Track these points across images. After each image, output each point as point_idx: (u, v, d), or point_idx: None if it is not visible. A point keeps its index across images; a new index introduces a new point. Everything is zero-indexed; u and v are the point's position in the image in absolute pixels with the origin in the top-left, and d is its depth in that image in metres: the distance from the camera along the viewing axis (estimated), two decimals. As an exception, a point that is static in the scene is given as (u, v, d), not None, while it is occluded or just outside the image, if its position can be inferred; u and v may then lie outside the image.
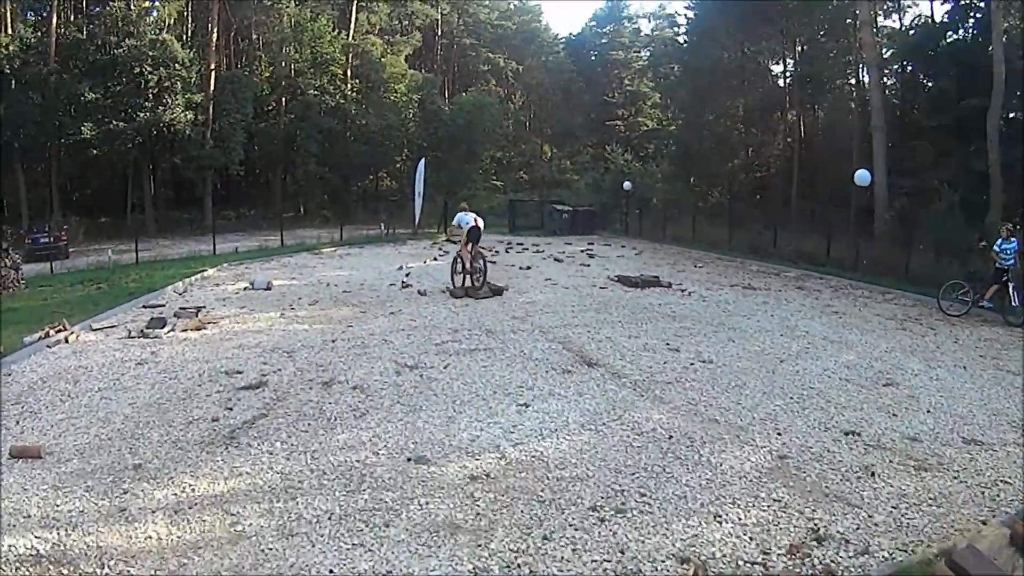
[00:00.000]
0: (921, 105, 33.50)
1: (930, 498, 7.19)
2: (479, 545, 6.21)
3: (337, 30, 53.09)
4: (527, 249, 31.75)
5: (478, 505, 6.91)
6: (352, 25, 55.39)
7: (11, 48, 38.94)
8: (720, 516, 6.77)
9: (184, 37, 46.86)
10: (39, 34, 41.76)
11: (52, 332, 14.15)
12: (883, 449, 8.48)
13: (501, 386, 10.76)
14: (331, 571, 5.83)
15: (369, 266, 26.13)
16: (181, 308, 17.19)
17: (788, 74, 45.56)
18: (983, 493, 7.34)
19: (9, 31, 40.02)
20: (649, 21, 78.04)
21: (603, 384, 10.92)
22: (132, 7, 42.47)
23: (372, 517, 6.66)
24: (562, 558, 6.03)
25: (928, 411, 9.94)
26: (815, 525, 6.61)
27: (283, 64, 51.80)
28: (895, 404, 10.20)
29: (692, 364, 12.19)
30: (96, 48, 41.71)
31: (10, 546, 6.16)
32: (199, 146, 43.63)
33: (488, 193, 58.50)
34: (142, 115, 39.71)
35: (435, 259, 27.30)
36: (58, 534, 6.39)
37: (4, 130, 37.95)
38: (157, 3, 45.41)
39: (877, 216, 28.82)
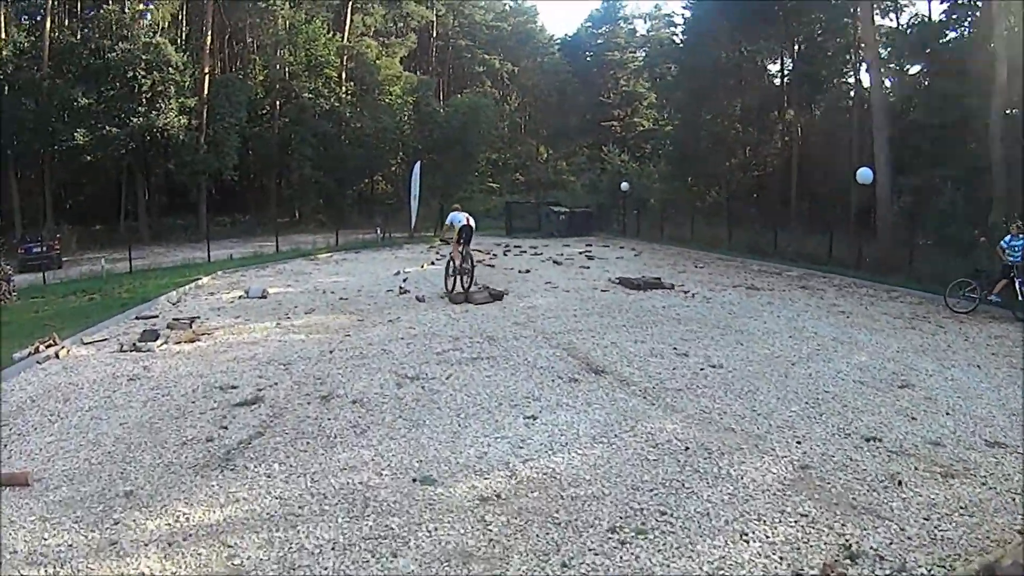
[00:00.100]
0: (919, 103, 33.15)
1: (961, 507, 6.90)
2: (494, 575, 5.83)
3: (332, 32, 52.71)
4: (525, 252, 31.41)
5: (490, 530, 6.52)
6: (347, 27, 55.07)
7: (4, 53, 38.57)
8: (746, 534, 6.42)
9: (178, 41, 46.47)
10: (32, 39, 41.40)
11: (42, 347, 13.78)
12: (907, 455, 8.18)
13: (507, 397, 10.38)
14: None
15: (366, 271, 25.80)
16: (175, 319, 16.82)
17: (786, 73, 45.22)
18: (1014, 500, 7.06)
19: (2, 36, 39.54)
20: (645, 22, 77.83)
21: (612, 393, 10.55)
22: (126, 10, 42.16)
23: (378, 546, 6.27)
24: (583, 587, 5.68)
25: (947, 413, 9.65)
26: (846, 541, 6.28)
27: (277, 67, 51.42)
28: (913, 407, 9.91)
29: (702, 369, 11.84)
30: (89, 52, 41.20)
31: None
32: (193, 151, 43.12)
33: (484, 195, 58.22)
34: (135, 120, 39.36)
35: (432, 263, 26.92)
36: (46, 572, 6.02)
37: (-1, 137, 37.56)
38: (151, 6, 44.95)
39: (880, 214, 28.55)
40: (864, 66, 38.27)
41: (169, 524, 6.76)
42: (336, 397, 10.52)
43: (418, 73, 60.55)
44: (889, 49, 37.57)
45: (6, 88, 38.99)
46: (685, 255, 30.15)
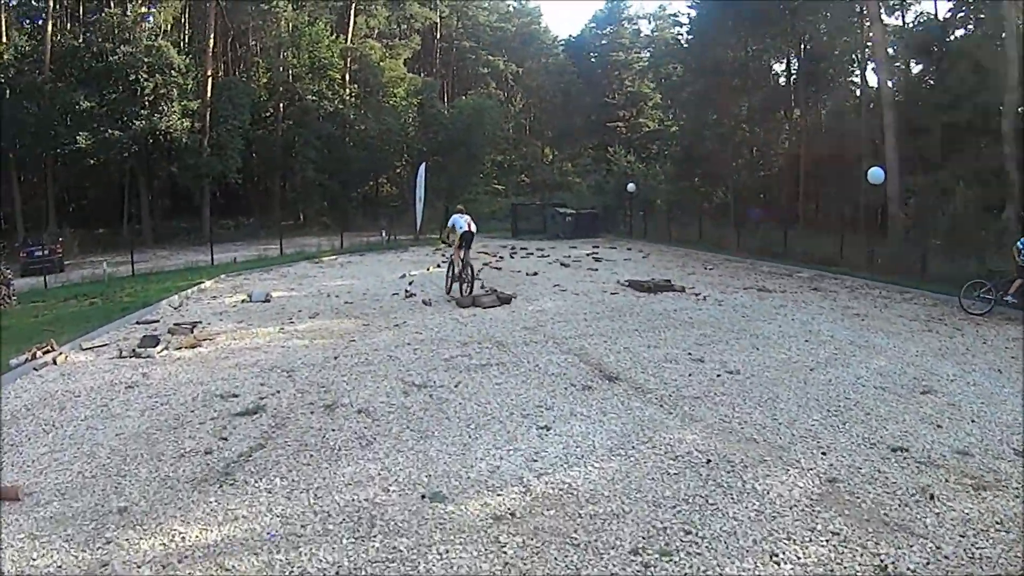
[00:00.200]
0: (929, 102, 32.81)
1: (996, 522, 6.56)
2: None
3: (335, 34, 52.52)
4: (531, 254, 31.12)
5: (505, 552, 6.12)
6: (350, 29, 54.97)
7: (6, 57, 38.40)
8: (777, 555, 6.04)
9: (181, 43, 46.40)
10: (34, 42, 41.29)
11: (39, 353, 13.43)
12: (935, 466, 7.82)
13: (518, 406, 9.98)
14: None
15: (371, 274, 25.52)
16: (176, 324, 16.44)
17: (792, 72, 44.97)
18: (1051, 514, 6.67)
19: (3, 39, 39.35)
20: (649, 22, 77.63)
21: (627, 401, 10.16)
22: (128, 13, 42.01)
23: (386, 570, 5.87)
24: (607, 616, 5.30)
25: (972, 420, 9.31)
26: (882, 561, 5.93)
27: (281, 69, 51.27)
28: (937, 414, 9.57)
29: (719, 376, 11.46)
30: (91, 55, 41.18)
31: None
32: (196, 154, 42.99)
33: (489, 197, 58.01)
34: (138, 123, 39.28)
35: (438, 266, 26.50)
36: (31, 595, 5.67)
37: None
38: (153, 9, 44.77)
39: (891, 214, 28.23)
40: (871, 65, 38.28)
41: (164, 544, 6.39)
42: (341, 406, 10.14)
43: (422, 75, 60.51)
44: (894, 48, 37.23)
45: (8, 92, 38.92)
46: (693, 257, 29.86)
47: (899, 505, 6.93)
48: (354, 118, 52.59)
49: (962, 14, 33.11)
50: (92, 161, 39.92)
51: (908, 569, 5.80)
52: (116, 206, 45.77)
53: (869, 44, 36.95)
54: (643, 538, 6.31)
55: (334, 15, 55.42)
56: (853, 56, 41.74)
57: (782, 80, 46.91)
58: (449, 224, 20.43)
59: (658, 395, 10.42)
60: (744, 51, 44.51)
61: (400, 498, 7.19)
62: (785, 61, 45.82)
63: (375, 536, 6.43)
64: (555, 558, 6.02)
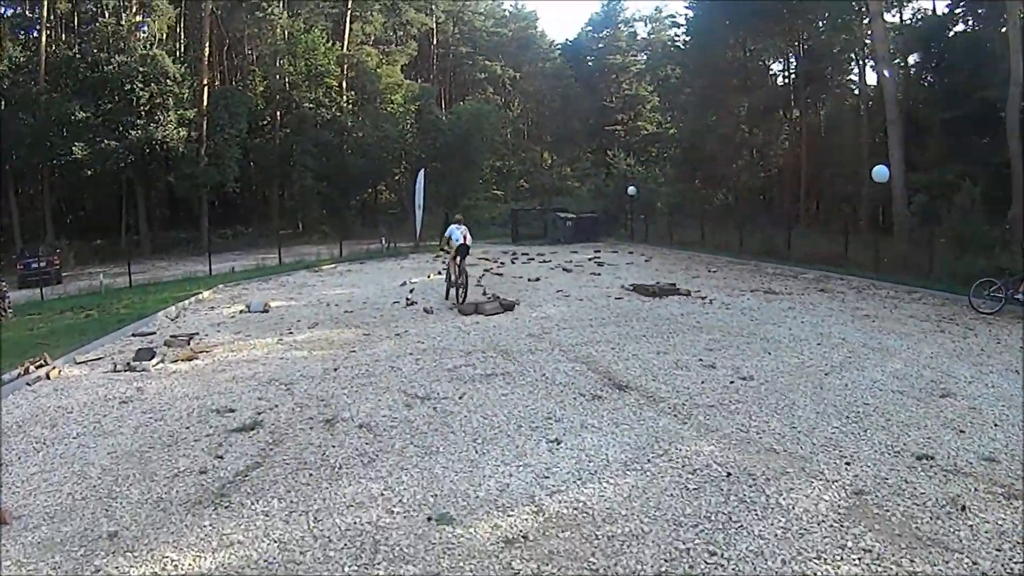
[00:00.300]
0: (929, 99, 32.64)
1: (1032, 533, 6.17)
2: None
3: (331, 41, 52.51)
4: (532, 259, 30.90)
5: (518, 580, 5.76)
6: (346, 36, 54.98)
7: (0, 68, 38.14)
8: (808, 576, 5.66)
9: (176, 52, 46.22)
10: (28, 53, 41.12)
11: (32, 368, 13.08)
12: (963, 475, 7.51)
13: (526, 418, 9.59)
14: None
15: (371, 283, 25.23)
16: (172, 336, 16.12)
17: (792, 72, 44.87)
18: (1087, 522, 6.35)
19: (-3, 50, 39.25)
20: (645, 24, 77.92)
21: (639, 411, 9.77)
22: (122, 23, 41.82)
23: (391, 602, 5.52)
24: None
25: (995, 425, 9.02)
26: (919, 579, 5.53)
27: (277, 77, 51.24)
28: (959, 418, 9.27)
29: (732, 382, 11.10)
30: (86, 65, 41.13)
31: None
32: (193, 163, 42.86)
33: (489, 203, 57.86)
34: (134, 133, 39.17)
35: (439, 273, 26.19)
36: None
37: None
38: (147, 19, 44.54)
39: (896, 213, 27.93)
40: (871, 63, 38.17)
41: (155, 573, 6.03)
42: (341, 421, 9.74)
43: (419, 81, 60.55)
44: (894, 45, 37.05)
45: (2, 103, 38.65)
46: (696, 259, 29.66)
47: (930, 518, 6.61)
48: (352, 125, 52.53)
49: (960, 9, 32.89)
50: (89, 172, 39.72)
51: (946, 588, 5.43)
52: (114, 217, 45.65)
53: (868, 41, 36.84)
54: (665, 561, 5.93)
55: (330, 22, 55.42)
56: (852, 54, 41.63)
57: (781, 80, 46.93)
58: (446, 235, 20.32)
59: (671, 404, 10.05)
60: (743, 51, 44.62)
61: (405, 520, 6.79)
62: (784, 60, 45.82)
63: (379, 563, 6.03)
64: (573, 585, 5.64)
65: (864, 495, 7.09)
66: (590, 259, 29.84)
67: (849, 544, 6.14)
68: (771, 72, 47.87)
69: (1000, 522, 6.46)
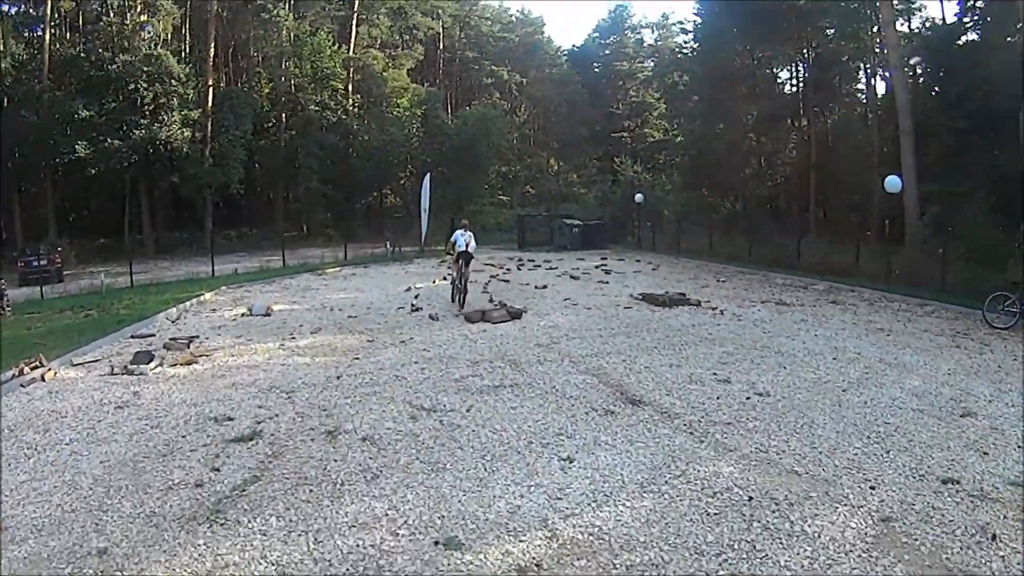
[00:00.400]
0: (937, 108, 32.30)
1: (1069, 565, 5.85)
2: None
3: (337, 44, 52.39)
4: (539, 266, 30.64)
5: (533, 615, 5.38)
6: (352, 39, 54.76)
7: (3, 66, 37.96)
8: (839, 614, 5.32)
9: (182, 53, 45.95)
10: (32, 51, 40.91)
11: (27, 369, 12.74)
12: (990, 500, 7.19)
13: (536, 434, 9.22)
14: None
15: (375, 287, 24.92)
16: (171, 339, 15.76)
17: (800, 79, 44.75)
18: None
19: (0, 47, 38.85)
20: (652, 31, 77.87)
21: (654, 428, 9.41)
22: (127, 22, 41.61)
23: (396, 636, 5.14)
24: None
25: (1019, 447, 8.67)
26: (954, 618, 5.19)
27: (283, 79, 51.05)
28: (981, 439, 8.93)
29: (748, 398, 10.74)
30: (90, 64, 40.89)
31: None
32: (197, 164, 42.69)
33: (495, 208, 57.51)
34: (137, 132, 38.95)
35: (444, 279, 25.94)
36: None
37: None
38: (152, 18, 44.27)
39: (909, 224, 27.59)
40: (881, 71, 37.98)
41: (145, 597, 5.67)
42: (343, 432, 9.36)
43: (425, 85, 60.24)
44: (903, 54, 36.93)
45: (5, 101, 38.47)
46: (704, 268, 29.42)
47: (960, 548, 6.29)
48: (357, 128, 52.34)
49: (968, 18, 32.62)
50: (92, 171, 39.42)
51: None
52: (117, 216, 45.37)
53: (878, 50, 36.66)
54: (689, 594, 5.57)
55: (336, 24, 55.21)
56: (860, 63, 41.49)
57: (788, 87, 46.86)
58: (452, 239, 20.35)
59: (686, 420, 9.69)
60: (751, 58, 44.30)
61: (411, 544, 6.40)
62: (792, 68, 45.68)
63: (383, 592, 5.67)
64: (591, 621, 5.28)
65: (891, 522, 6.77)
66: (597, 266, 29.59)
67: (880, 576, 5.78)
68: (779, 80, 47.81)
69: (1034, 553, 6.09)
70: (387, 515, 6.98)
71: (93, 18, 44.56)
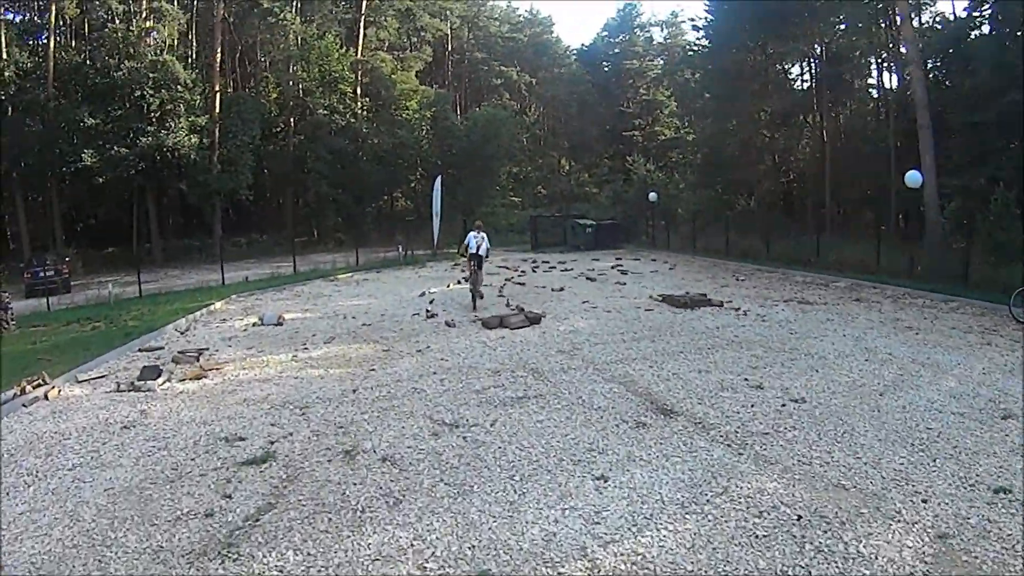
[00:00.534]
0: (952, 103, 31.82)
1: None
2: None
3: (345, 47, 52.11)
4: (554, 267, 30.46)
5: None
6: (360, 41, 54.55)
7: (7, 74, 37.60)
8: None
9: (188, 58, 45.73)
10: (36, 59, 40.61)
11: (29, 387, 12.26)
12: (1046, 510, 6.70)
13: (566, 450, 8.70)
14: None
15: (389, 292, 24.56)
16: (180, 352, 15.30)
17: (813, 75, 44.33)
18: None
19: (3, 56, 38.56)
20: (662, 29, 77.61)
21: (689, 440, 8.91)
22: (132, 28, 41.32)
23: None
24: None
25: (1065, 450, 8.18)
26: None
27: (291, 84, 50.93)
28: (1026, 443, 8.37)
29: (784, 405, 10.26)
30: (96, 71, 40.69)
31: None
32: (205, 171, 42.34)
33: (507, 210, 57.15)
34: (144, 140, 38.64)
35: (458, 283, 25.58)
36: None
37: (1, 158, 36.94)
38: (158, 24, 43.96)
39: (929, 219, 27.10)
40: (895, 66, 37.59)
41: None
42: (362, 452, 8.85)
43: (435, 87, 59.88)
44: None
45: (9, 109, 38.19)
46: (722, 267, 29.25)
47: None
48: (367, 131, 52.09)
49: (979, 12, 32.15)
50: (99, 179, 39.08)
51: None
52: (125, 225, 45.09)
53: (892, 45, 36.29)
54: (748, 634, 5.08)
55: (343, 27, 55.07)
56: (872, 58, 41.18)
57: (801, 83, 46.63)
58: (465, 242, 20.53)
59: (722, 432, 9.20)
60: (763, 55, 43.83)
61: (440, 580, 5.90)
62: (805, 64, 45.38)
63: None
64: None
65: (948, 539, 6.36)
66: (613, 267, 29.38)
67: (946, 604, 5.33)
68: (790, 76, 47.43)
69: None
70: (412, 546, 6.46)
71: (98, 25, 44.46)
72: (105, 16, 43.57)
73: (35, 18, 43.19)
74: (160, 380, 12.82)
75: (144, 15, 42.94)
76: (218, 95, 44.95)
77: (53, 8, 40.58)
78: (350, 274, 31.05)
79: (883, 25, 38.11)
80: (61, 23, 43.48)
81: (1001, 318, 16.71)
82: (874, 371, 12.15)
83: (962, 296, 19.60)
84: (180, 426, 10.21)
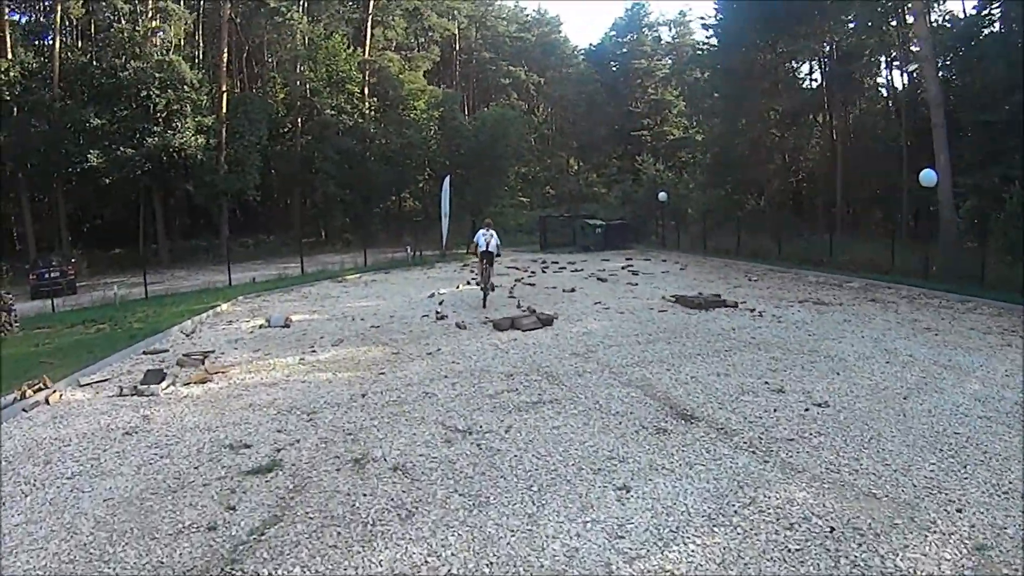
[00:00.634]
0: (964, 101, 31.50)
1: None
2: None
3: (352, 47, 51.82)
4: (564, 268, 30.19)
5: None
6: (368, 41, 54.26)
7: (12, 74, 37.36)
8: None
9: (195, 58, 45.51)
10: (42, 59, 40.43)
11: (30, 392, 11.97)
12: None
13: (585, 458, 8.36)
14: None
15: (398, 293, 24.24)
16: (185, 355, 14.98)
17: (823, 74, 44.04)
18: None
19: (9, 55, 38.34)
20: (670, 29, 77.33)
21: (713, 448, 8.59)
22: (138, 28, 41.13)
23: None
24: None
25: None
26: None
27: (298, 84, 50.78)
28: (1056, 448, 8.26)
29: (807, 410, 9.98)
30: (101, 72, 40.41)
31: None
32: (212, 171, 42.02)
33: (515, 210, 57.01)
34: (151, 140, 38.30)
35: (468, 283, 25.29)
36: None
37: (4, 159, 36.81)
38: (164, 24, 43.75)
39: (943, 219, 26.78)
40: (908, 64, 37.35)
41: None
42: (372, 461, 8.52)
43: (442, 87, 59.76)
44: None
45: (15, 109, 37.98)
46: (733, 267, 29.03)
47: (1069, 581, 5.54)
48: (374, 132, 51.77)
49: (989, 11, 31.86)
50: (105, 180, 38.77)
51: None
52: (131, 225, 44.86)
53: (902, 43, 36.00)
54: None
55: (351, 27, 54.85)
56: (883, 56, 40.89)
57: (811, 81, 46.43)
58: (474, 240, 20.65)
59: (746, 438, 8.88)
60: (772, 53, 43.53)
61: (457, 602, 5.55)
62: (815, 63, 45.13)
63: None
64: None
65: (987, 551, 6.14)
66: (623, 267, 29.13)
67: (989, 621, 5.04)
68: (799, 75, 47.15)
69: None
70: (427, 563, 6.13)
71: (104, 25, 44.25)
72: (111, 16, 43.28)
73: (40, 18, 43.08)
74: (164, 384, 12.53)
75: (150, 15, 42.67)
76: (225, 95, 44.65)
77: (59, 8, 40.43)
78: (358, 275, 30.75)
79: (893, 23, 37.73)
80: (67, 23, 43.43)
81: (1018, 318, 16.60)
82: (896, 374, 11.89)
83: (978, 296, 19.45)
84: (183, 432, 9.92)
